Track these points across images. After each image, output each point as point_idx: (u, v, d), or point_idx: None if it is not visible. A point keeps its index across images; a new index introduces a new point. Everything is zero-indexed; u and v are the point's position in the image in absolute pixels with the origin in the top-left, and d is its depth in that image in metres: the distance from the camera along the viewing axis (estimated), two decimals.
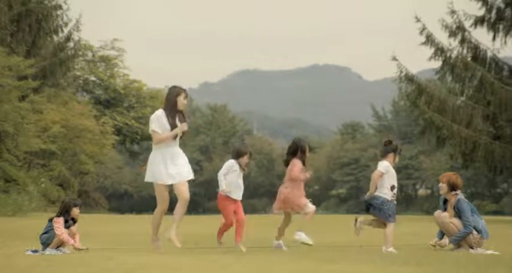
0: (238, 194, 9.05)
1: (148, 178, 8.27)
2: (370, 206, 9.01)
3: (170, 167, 8.09)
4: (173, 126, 8.12)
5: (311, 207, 8.74)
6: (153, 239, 8.46)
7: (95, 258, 6.87)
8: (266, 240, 9.82)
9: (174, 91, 8.29)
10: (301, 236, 8.73)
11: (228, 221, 9.00)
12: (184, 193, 8.09)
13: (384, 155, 9.09)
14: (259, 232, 12.31)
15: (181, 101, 8.26)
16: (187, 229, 11.91)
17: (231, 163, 9.05)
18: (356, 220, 9.19)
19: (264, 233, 11.83)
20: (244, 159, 9.07)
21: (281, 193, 8.86)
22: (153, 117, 8.14)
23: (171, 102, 8.22)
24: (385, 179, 8.88)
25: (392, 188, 8.93)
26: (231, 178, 8.98)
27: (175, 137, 8.18)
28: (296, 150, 8.91)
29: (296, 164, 8.81)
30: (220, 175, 9.04)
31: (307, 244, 8.74)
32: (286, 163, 8.98)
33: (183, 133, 8.30)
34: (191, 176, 8.25)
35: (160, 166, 8.10)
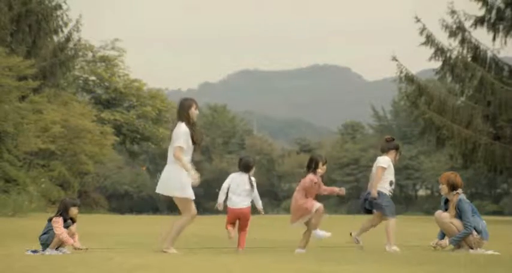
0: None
1: (175, 193, 8.27)
2: (368, 205, 9.09)
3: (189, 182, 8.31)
4: (193, 139, 8.30)
5: (318, 204, 8.69)
6: (168, 247, 8.34)
7: (95, 259, 6.87)
8: (266, 241, 9.82)
9: (186, 105, 8.47)
10: (318, 234, 8.66)
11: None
12: (195, 211, 8.39)
13: (386, 151, 9.23)
14: (259, 232, 12.29)
15: (194, 112, 8.46)
16: (188, 229, 11.88)
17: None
18: (351, 235, 9.21)
19: (264, 234, 11.83)
20: (251, 172, 9.07)
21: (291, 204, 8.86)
22: (181, 132, 8.26)
23: (185, 115, 8.39)
24: (385, 174, 9.01)
25: (390, 183, 9.07)
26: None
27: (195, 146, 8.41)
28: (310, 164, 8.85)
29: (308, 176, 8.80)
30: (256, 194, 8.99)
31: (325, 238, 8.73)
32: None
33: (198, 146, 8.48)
34: None
35: (187, 181, 8.24)
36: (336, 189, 8.82)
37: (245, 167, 9.03)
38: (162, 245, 8.40)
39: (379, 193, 9.01)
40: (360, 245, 9.27)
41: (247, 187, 8.89)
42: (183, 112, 8.42)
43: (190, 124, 8.39)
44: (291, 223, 8.73)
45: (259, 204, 9.00)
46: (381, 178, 9.02)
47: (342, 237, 12.18)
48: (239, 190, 8.88)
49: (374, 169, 9.26)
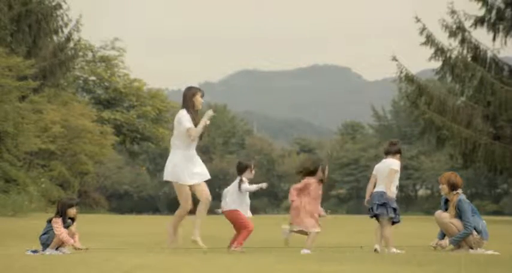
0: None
1: (168, 177, 8.45)
2: (379, 207, 8.87)
3: (191, 168, 8.37)
4: (195, 125, 8.35)
5: (317, 229, 8.58)
6: (171, 241, 8.42)
7: (95, 259, 6.86)
8: (267, 241, 9.81)
9: (190, 92, 8.53)
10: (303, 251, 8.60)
11: (249, 227, 8.83)
12: (206, 194, 8.42)
13: (392, 154, 9.10)
14: (260, 233, 12.28)
15: (198, 100, 8.51)
16: (188, 230, 11.89)
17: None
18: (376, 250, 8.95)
19: (264, 234, 11.82)
20: (247, 173, 8.94)
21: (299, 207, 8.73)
22: (182, 117, 8.35)
23: (189, 103, 8.46)
24: (395, 178, 8.94)
25: (396, 187, 9.02)
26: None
27: (200, 137, 8.47)
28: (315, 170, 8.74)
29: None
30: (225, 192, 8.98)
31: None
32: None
33: (203, 132, 8.54)
34: (209, 176, 8.61)
35: (182, 166, 8.34)
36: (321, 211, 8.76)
37: (237, 169, 8.99)
38: (193, 240, 8.51)
39: (391, 197, 8.89)
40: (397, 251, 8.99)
41: (236, 189, 8.80)
42: (186, 100, 8.50)
43: (193, 112, 8.44)
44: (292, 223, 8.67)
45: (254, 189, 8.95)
46: (392, 181, 8.91)
47: (342, 237, 12.18)
48: (231, 193, 8.84)
49: (380, 172, 9.03)
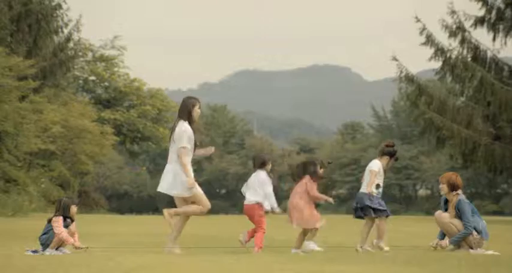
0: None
1: (188, 193, 8.27)
2: (360, 212, 9.03)
3: None
4: (195, 139, 8.27)
5: (323, 221, 8.76)
6: (172, 241, 8.29)
7: (95, 258, 6.87)
8: (266, 240, 9.82)
9: (189, 103, 8.37)
10: (310, 246, 8.67)
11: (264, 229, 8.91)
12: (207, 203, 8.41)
13: (379, 155, 9.28)
14: None
15: (197, 111, 8.37)
16: (187, 230, 11.88)
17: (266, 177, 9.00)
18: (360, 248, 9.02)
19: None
20: (268, 167, 9.05)
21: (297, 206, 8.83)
22: (183, 133, 8.16)
23: (188, 114, 8.31)
24: (374, 178, 9.04)
25: (377, 186, 9.06)
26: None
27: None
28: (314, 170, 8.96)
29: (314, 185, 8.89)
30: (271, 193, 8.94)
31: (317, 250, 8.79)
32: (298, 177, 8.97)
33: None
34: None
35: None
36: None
37: (259, 162, 8.99)
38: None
39: (367, 195, 8.98)
40: (385, 250, 9.07)
41: (256, 184, 8.80)
42: (186, 111, 8.30)
43: (192, 123, 8.31)
44: (291, 223, 8.77)
45: (266, 204, 8.81)
46: (373, 181, 9.03)
47: (341, 237, 12.18)
48: (249, 186, 8.84)
49: (366, 172, 9.29)
